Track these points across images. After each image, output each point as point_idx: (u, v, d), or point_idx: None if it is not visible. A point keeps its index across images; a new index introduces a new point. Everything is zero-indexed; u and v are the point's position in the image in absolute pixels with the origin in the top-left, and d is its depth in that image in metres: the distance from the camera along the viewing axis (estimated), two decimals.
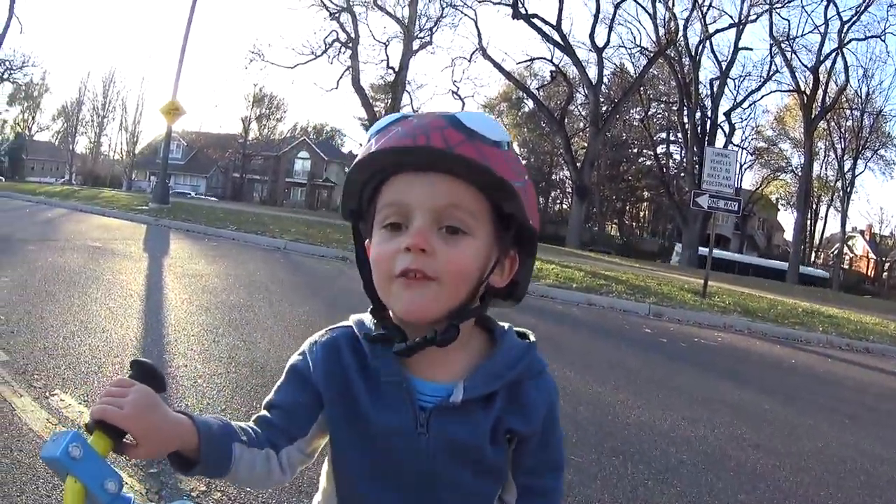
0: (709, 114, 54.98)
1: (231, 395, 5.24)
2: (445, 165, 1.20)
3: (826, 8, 49.13)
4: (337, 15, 44.37)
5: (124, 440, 1.07)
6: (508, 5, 46.15)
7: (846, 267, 68.56)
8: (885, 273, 70.67)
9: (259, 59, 44.70)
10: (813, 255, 71.11)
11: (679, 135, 60.89)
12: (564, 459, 1.49)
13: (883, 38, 49.86)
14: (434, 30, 47.71)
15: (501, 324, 1.42)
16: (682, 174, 60.13)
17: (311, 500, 1.54)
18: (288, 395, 1.36)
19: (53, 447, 1.00)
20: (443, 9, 46.73)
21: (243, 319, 8.06)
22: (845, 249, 67.64)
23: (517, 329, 1.43)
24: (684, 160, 59.58)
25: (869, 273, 72.45)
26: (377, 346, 1.31)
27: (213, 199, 60.63)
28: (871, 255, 74.04)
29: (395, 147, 1.20)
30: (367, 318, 1.37)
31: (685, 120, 55.32)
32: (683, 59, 53.33)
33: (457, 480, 1.32)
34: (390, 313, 1.31)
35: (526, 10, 47.04)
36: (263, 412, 1.36)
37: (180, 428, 1.14)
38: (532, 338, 1.43)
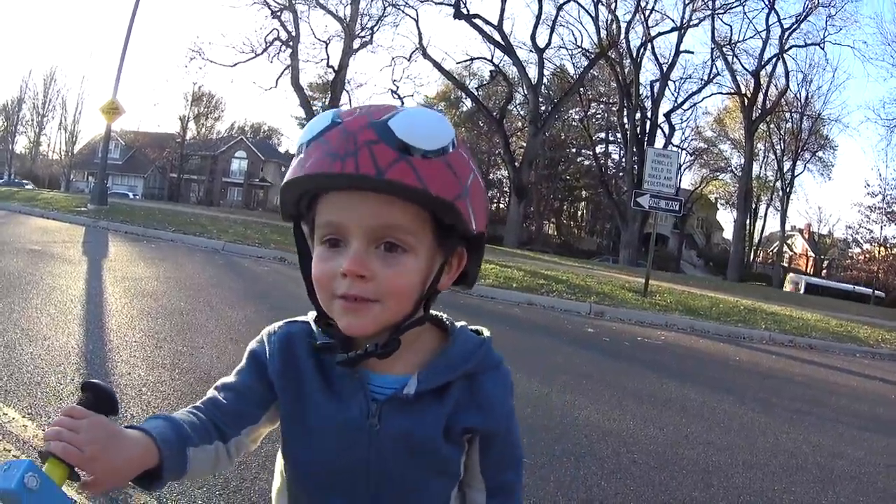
0: (648, 115, 55.43)
1: (176, 404, 5.11)
2: (377, 187, 1.15)
3: (768, 15, 50.07)
4: (279, 13, 43.97)
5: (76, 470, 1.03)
6: (450, 5, 46.07)
7: (786, 265, 69.65)
8: (824, 271, 72.02)
9: (199, 57, 44.06)
10: (753, 253, 72.20)
11: (618, 135, 61.44)
12: (522, 452, 1.50)
13: (822, 46, 51.05)
14: (375, 29, 47.28)
15: (455, 322, 1.41)
16: (621, 174, 60.69)
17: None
18: (245, 380, 1.36)
19: (5, 479, 0.93)
20: (384, 8, 46.50)
21: (185, 324, 7.95)
22: (785, 248, 68.68)
23: (472, 327, 1.43)
24: (623, 160, 60.10)
25: (808, 271, 73.69)
26: None
27: (134, 196, 60.15)
28: (811, 254, 75.45)
29: (320, 173, 1.15)
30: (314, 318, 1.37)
31: (625, 121, 55.65)
32: (624, 61, 53.73)
33: (407, 477, 1.31)
34: None
35: (468, 10, 47.00)
36: (214, 393, 1.35)
37: (142, 452, 1.10)
38: (486, 333, 1.43)
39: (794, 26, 50.08)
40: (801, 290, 50.39)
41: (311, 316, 1.38)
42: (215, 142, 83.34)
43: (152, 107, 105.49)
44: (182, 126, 79.24)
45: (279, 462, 1.43)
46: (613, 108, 59.99)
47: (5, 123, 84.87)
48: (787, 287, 53.69)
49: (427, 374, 1.30)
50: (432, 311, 1.37)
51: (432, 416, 1.30)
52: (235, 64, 44.95)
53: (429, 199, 1.15)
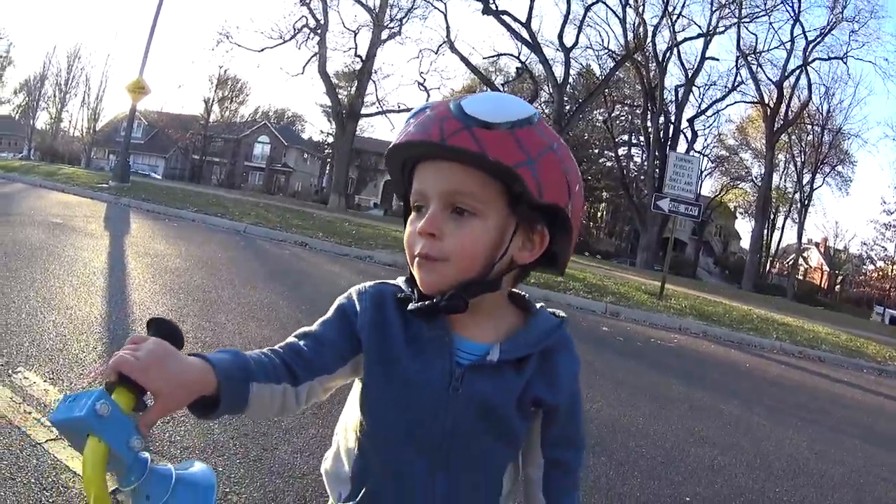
0: (672, 119, 55.50)
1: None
2: (445, 155, 1.28)
3: (793, 27, 50.36)
4: (308, 1, 44.08)
5: (144, 398, 1.06)
6: (480, 0, 46.05)
7: (801, 277, 69.40)
8: (838, 286, 71.81)
9: (227, 40, 44.24)
10: (769, 264, 71.93)
11: (641, 138, 61.36)
12: (585, 439, 1.58)
13: (844, 60, 51.57)
14: (404, 21, 47.46)
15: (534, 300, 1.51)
16: (643, 177, 60.63)
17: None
18: (330, 331, 1.42)
19: (74, 407, 0.97)
20: (414, 0, 46.59)
21: (206, 301, 7.99)
22: (800, 260, 68.41)
23: (550, 309, 1.51)
24: (645, 163, 60.01)
25: (823, 284, 73.47)
26: None
27: (155, 176, 60.43)
28: (825, 268, 75.13)
29: (402, 143, 1.33)
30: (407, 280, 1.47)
31: (648, 124, 55.62)
32: (650, 65, 53.70)
33: (478, 441, 1.40)
34: None
35: (496, 6, 46.82)
36: (294, 340, 1.41)
37: (199, 375, 1.14)
38: (562, 315, 1.51)
39: (818, 39, 50.62)
40: (886, 322, 50.81)
41: (401, 279, 1.48)
42: (239, 125, 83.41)
43: (177, 88, 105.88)
44: (206, 108, 79.59)
45: (346, 422, 1.52)
46: (637, 111, 59.89)
47: (27, 98, 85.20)
48: (874, 317, 54.16)
49: (509, 345, 1.39)
50: (514, 290, 1.49)
51: (509, 384, 1.39)
52: (263, 49, 45.30)
53: (486, 163, 1.24)
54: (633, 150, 69.73)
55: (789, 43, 51.29)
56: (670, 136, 54.83)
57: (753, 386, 9.69)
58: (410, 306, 1.36)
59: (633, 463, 5.24)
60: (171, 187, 28.94)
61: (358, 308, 1.43)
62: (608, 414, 6.39)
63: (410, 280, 1.43)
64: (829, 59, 52.05)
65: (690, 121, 56.65)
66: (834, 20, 49.17)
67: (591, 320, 12.79)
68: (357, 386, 1.48)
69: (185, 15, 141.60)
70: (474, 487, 1.44)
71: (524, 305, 1.50)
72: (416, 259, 1.34)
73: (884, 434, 8.36)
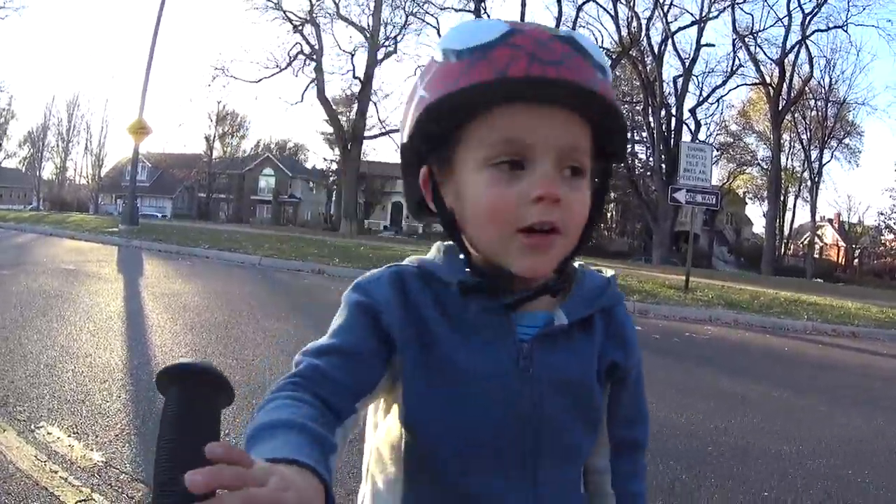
0: (673, 112, 55.28)
1: (233, 419, 4.92)
2: (570, 101, 1.01)
3: (788, 1, 49.71)
4: (300, 27, 44.18)
5: None
6: (471, 11, 46.07)
7: (817, 256, 69.08)
8: (856, 259, 71.26)
9: (223, 74, 44.26)
10: (783, 247, 71.67)
11: (644, 134, 61.11)
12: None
13: (845, 28, 50.61)
14: (399, 38, 47.47)
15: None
16: (649, 173, 60.43)
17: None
18: (356, 337, 1.07)
19: None
20: (406, 17, 46.60)
21: (231, 337, 7.80)
22: (815, 239, 68.13)
23: (593, 266, 1.27)
24: (650, 159, 59.88)
25: (840, 261, 73.01)
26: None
27: (163, 217, 60.76)
28: (841, 243, 74.66)
29: (527, 77, 0.98)
30: (441, 258, 1.16)
31: (650, 119, 55.50)
32: (646, 59, 53.65)
33: (567, 428, 1.13)
34: (474, 254, 1.11)
35: (489, 16, 46.94)
36: (314, 362, 1.03)
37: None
38: (609, 273, 1.26)
39: (815, 10, 49.63)
40: None
41: (415, 259, 1.17)
42: (242, 160, 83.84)
43: (177, 127, 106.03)
44: (208, 145, 79.83)
45: (378, 449, 1.17)
46: (638, 107, 59.70)
47: (31, 150, 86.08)
48: None
49: (570, 306, 1.13)
50: None
51: (585, 351, 1.15)
52: (260, 80, 45.13)
53: (617, 123, 1.06)
54: (637, 147, 69.62)
55: (786, 18, 50.48)
56: (673, 128, 54.66)
57: (798, 370, 9.53)
58: (506, 301, 1.08)
59: (704, 463, 5.08)
60: (180, 226, 29.07)
61: (380, 299, 1.10)
62: (665, 417, 6.13)
63: (457, 259, 1.13)
64: (829, 28, 50.94)
65: (692, 111, 56.30)
66: None
67: None
68: (386, 400, 1.16)
69: (180, 52, 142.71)
70: (572, 487, 1.19)
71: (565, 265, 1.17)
72: (521, 234, 1.02)
73: None
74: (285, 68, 44.73)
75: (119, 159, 78.55)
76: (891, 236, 66.88)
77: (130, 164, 25.89)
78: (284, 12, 43.25)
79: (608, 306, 1.20)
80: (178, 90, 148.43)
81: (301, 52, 44.69)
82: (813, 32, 51.00)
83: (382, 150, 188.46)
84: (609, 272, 1.25)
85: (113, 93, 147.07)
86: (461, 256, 1.12)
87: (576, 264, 1.21)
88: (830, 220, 76.56)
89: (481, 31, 1.03)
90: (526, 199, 1.00)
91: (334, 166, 72.91)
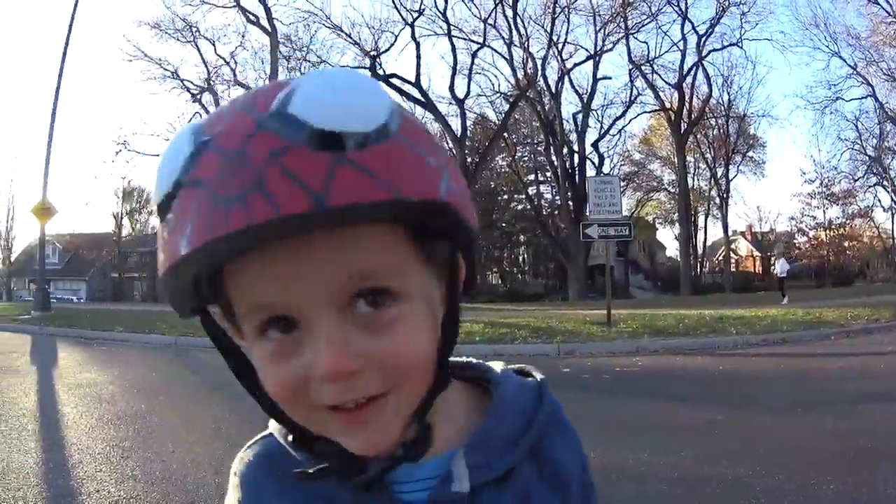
0: (575, 148, 55.92)
1: None
2: (325, 225, 0.63)
3: (682, 25, 51.65)
4: (199, 96, 44.00)
5: None
6: (366, 68, 46.21)
7: (734, 269, 70.44)
8: (772, 266, 73.04)
9: (125, 149, 43.92)
10: (699, 265, 72.92)
11: (549, 173, 61.78)
12: None
13: (740, 45, 52.84)
14: None
15: (486, 363, 0.96)
16: (556, 212, 60.98)
17: None
18: None
19: None
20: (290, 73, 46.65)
21: (149, 428, 7.46)
22: (730, 253, 69.55)
23: (511, 367, 0.98)
24: (557, 197, 60.45)
25: (756, 270, 74.64)
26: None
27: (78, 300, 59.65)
28: (756, 253, 76.45)
29: (213, 241, 0.63)
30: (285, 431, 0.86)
31: (553, 158, 56.08)
32: (544, 98, 54.33)
33: None
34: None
35: (384, 71, 47.28)
36: None
37: None
38: (538, 376, 0.96)
39: (709, 31, 51.64)
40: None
41: (274, 426, 0.89)
42: (152, 237, 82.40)
43: (84, 206, 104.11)
44: (117, 224, 78.22)
45: None
46: (540, 148, 60.53)
47: None
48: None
49: (477, 453, 0.83)
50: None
51: None
52: (159, 153, 44.73)
53: (407, 210, 0.66)
54: (543, 188, 70.22)
55: (681, 42, 52.52)
56: (577, 165, 55.26)
57: (737, 387, 9.58)
58: (358, 482, 0.79)
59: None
60: (94, 309, 28.70)
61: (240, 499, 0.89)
62: (612, 458, 5.77)
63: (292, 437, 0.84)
64: (724, 47, 53.13)
65: (594, 145, 57.08)
66: (721, 8, 50.27)
67: (547, 364, 12.32)
68: None
69: (82, 128, 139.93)
70: None
71: (473, 374, 0.95)
72: (327, 413, 0.72)
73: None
74: None
75: (29, 242, 76.74)
76: (804, 239, 68.78)
77: (38, 247, 25.41)
78: (182, 81, 43.19)
79: (537, 441, 0.89)
80: (83, 168, 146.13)
81: None
82: (709, 53, 53.25)
83: None
84: (538, 375, 0.96)
85: (17, 173, 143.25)
86: (289, 438, 0.84)
87: (495, 365, 0.95)
88: (743, 233, 78.51)
89: (168, 159, 0.75)
90: (308, 379, 0.70)
91: None
